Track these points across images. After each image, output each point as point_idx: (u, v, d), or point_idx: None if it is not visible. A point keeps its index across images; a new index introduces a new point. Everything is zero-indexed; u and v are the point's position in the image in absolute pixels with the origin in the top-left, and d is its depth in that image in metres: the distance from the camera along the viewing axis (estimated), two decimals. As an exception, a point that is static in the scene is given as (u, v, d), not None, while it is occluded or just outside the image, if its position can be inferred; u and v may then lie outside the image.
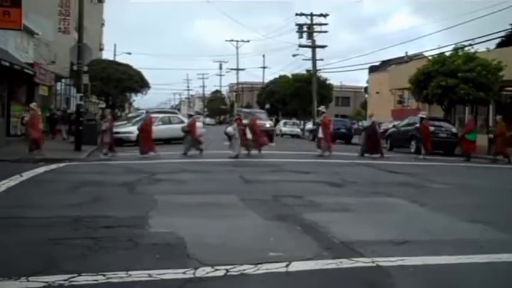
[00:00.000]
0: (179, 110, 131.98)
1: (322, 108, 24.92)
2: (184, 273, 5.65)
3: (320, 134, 23.23)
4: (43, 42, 40.06)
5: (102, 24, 71.62)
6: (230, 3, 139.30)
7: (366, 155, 23.07)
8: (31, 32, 35.30)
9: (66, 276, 5.41)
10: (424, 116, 25.63)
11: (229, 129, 22.22)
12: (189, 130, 22.37)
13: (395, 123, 32.78)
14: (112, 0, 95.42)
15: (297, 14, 47.83)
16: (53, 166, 16.20)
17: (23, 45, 34.09)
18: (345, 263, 6.11)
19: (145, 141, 21.21)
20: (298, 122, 58.44)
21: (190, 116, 24.88)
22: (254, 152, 22.03)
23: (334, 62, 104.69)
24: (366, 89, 67.70)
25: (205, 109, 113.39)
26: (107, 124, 21.00)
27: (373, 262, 6.16)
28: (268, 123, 34.05)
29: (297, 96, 53.32)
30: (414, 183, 14.15)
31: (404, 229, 8.09)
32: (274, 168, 16.66)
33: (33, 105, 20.69)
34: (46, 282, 5.27)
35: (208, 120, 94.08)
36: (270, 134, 31.02)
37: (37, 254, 6.28)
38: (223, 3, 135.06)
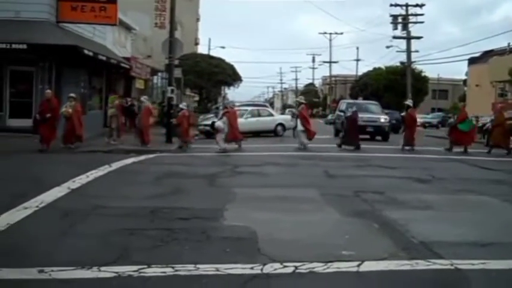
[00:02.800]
0: (272, 103, 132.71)
1: (300, 98, 23.08)
2: (252, 268, 5.57)
3: (299, 127, 21.06)
4: (140, 37, 41.49)
5: (198, 19, 73.14)
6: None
7: (343, 146, 21.41)
8: (129, 27, 36.65)
9: (136, 267, 5.49)
10: (410, 104, 23.30)
11: (219, 123, 19.97)
12: (179, 123, 20.91)
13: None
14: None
15: (391, 5, 46.45)
16: (142, 157, 16.65)
17: (121, 40, 35.45)
18: (421, 265, 5.79)
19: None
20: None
21: (180, 109, 21.78)
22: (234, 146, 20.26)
23: (432, 53, 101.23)
24: (464, 81, 64.94)
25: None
26: (113, 110, 21.31)
27: (451, 265, 5.79)
28: (383, 118, 28.46)
29: (390, 89, 52.10)
30: (510, 181, 13.31)
31: (491, 230, 7.59)
32: (361, 163, 16.24)
33: (73, 95, 19.60)
34: (116, 272, 5.36)
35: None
36: (384, 132, 27.84)
37: (111, 244, 6.42)
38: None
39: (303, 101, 22.67)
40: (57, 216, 7.87)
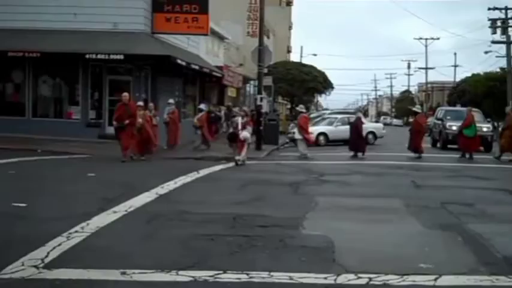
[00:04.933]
0: (366, 111, 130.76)
1: (299, 107, 22.71)
2: (325, 278, 5.58)
3: (297, 135, 21.11)
4: (233, 46, 42.29)
5: (290, 27, 73.56)
6: (420, 2, 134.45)
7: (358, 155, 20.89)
8: (221, 36, 37.42)
9: (212, 273, 5.63)
10: (419, 111, 23.29)
11: (245, 133, 17.60)
12: (201, 125, 21.52)
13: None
14: (300, 2, 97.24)
15: (489, 9, 44.64)
16: (230, 164, 16.95)
17: (214, 49, 36.28)
18: (502, 281, 5.57)
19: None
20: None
21: (200, 110, 22.40)
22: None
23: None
24: None
25: (393, 109, 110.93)
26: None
27: (535, 282, 5.53)
28: (485, 127, 26.07)
29: (489, 96, 49.88)
30: None
31: None
32: (452, 173, 15.72)
33: (141, 103, 18.70)
34: (193, 277, 5.54)
35: (395, 121, 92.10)
36: (486, 142, 25.43)
37: (191, 249, 6.63)
38: (412, 2, 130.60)
39: (303, 110, 22.62)
40: (143, 220, 8.22)
